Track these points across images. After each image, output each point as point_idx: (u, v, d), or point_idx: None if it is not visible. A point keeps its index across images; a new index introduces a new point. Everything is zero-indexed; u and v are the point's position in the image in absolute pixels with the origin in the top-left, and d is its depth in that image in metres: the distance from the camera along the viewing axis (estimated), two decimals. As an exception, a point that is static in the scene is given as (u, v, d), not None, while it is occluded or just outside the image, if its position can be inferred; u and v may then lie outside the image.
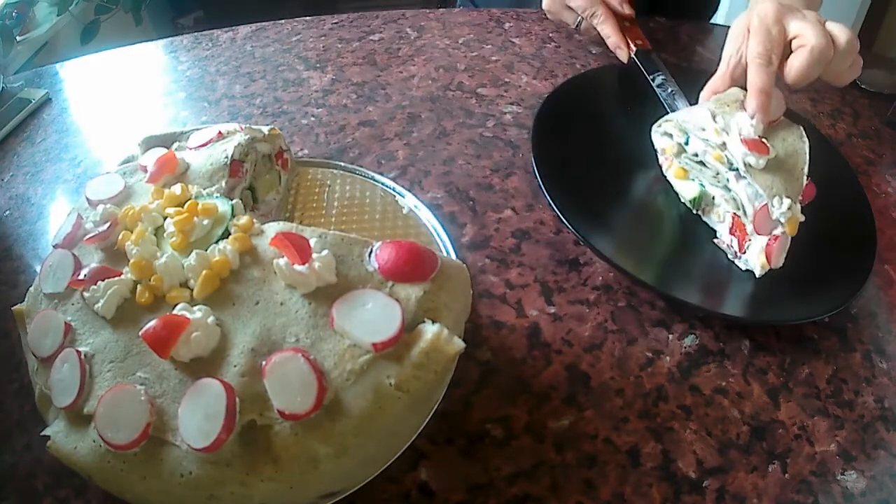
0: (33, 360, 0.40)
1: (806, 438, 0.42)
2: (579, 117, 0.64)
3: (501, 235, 0.55)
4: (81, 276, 0.40)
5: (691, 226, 0.56)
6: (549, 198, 0.54)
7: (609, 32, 0.73)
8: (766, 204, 0.48)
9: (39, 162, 0.66)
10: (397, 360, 0.35)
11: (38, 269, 0.44)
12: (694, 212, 0.57)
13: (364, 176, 0.59)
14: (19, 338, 0.43)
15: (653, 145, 0.61)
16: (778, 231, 0.48)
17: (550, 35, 0.81)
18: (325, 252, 0.38)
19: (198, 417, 0.34)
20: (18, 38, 1.34)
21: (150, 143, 0.51)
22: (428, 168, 0.61)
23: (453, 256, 0.51)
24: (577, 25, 0.76)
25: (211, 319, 0.37)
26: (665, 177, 0.60)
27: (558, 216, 0.53)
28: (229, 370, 0.35)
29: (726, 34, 0.60)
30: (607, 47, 0.74)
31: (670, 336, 0.48)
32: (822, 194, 0.52)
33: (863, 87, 0.73)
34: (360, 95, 0.71)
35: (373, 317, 0.36)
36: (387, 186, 0.57)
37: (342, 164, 0.60)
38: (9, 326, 0.47)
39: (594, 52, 0.78)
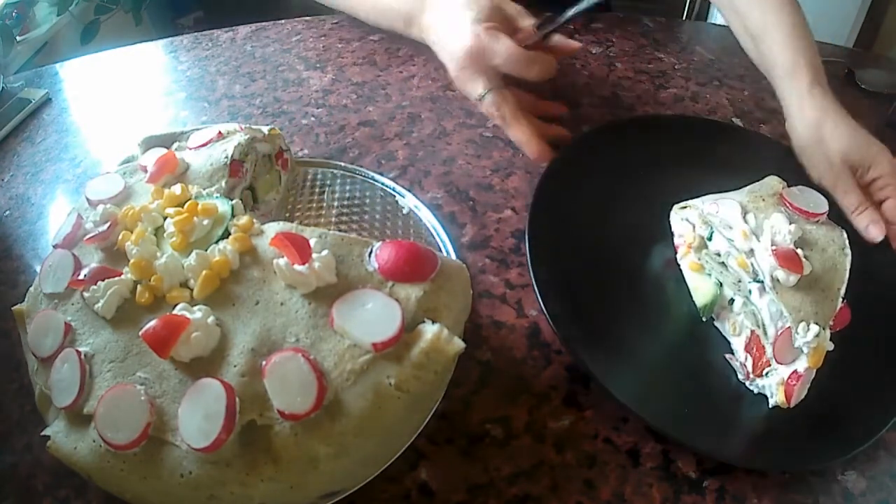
0: (33, 360, 0.40)
1: (806, 438, 0.42)
2: (587, 179, 0.56)
3: (501, 235, 0.55)
4: (81, 276, 0.40)
5: (701, 329, 0.48)
6: (539, 296, 0.46)
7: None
8: (790, 329, 0.41)
9: (39, 162, 0.66)
10: (397, 360, 0.35)
11: (38, 269, 0.44)
12: (703, 319, 0.49)
13: (364, 176, 0.59)
14: (19, 338, 0.43)
15: (670, 226, 0.53)
16: (800, 366, 0.41)
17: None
18: (325, 252, 0.38)
19: (198, 417, 0.34)
20: (18, 38, 1.34)
21: (150, 143, 0.51)
22: (428, 168, 0.61)
23: (453, 256, 0.51)
24: (480, 98, 0.58)
25: (211, 319, 0.37)
26: (678, 263, 0.52)
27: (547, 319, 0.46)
28: (229, 370, 0.35)
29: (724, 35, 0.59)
30: (607, 48, 0.74)
31: (670, 336, 0.48)
32: (859, 306, 0.44)
33: (863, 87, 0.73)
34: (360, 95, 0.71)
35: (373, 317, 0.36)
36: (387, 186, 0.57)
37: (342, 164, 0.60)
38: (9, 326, 0.47)
39: (594, 52, 0.78)
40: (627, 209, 0.55)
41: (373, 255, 0.39)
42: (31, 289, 0.43)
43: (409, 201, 0.56)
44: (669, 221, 0.53)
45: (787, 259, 0.42)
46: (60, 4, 1.46)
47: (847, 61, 0.76)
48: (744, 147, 0.61)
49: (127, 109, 0.73)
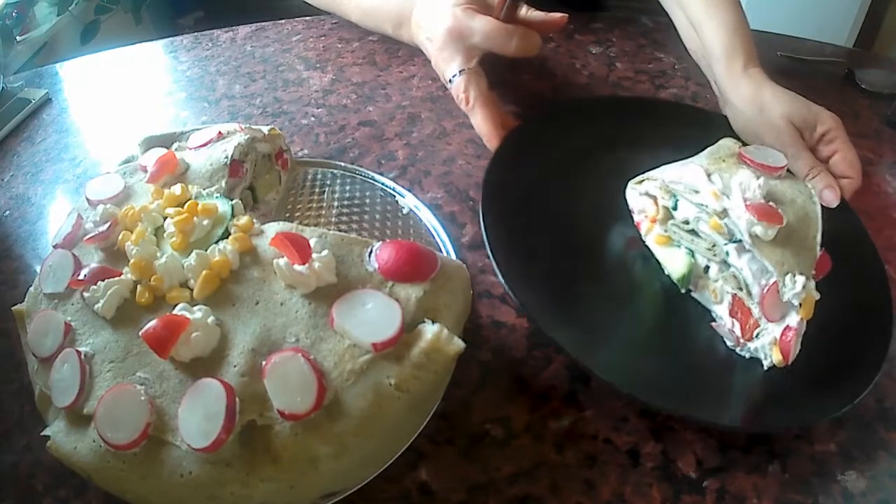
0: (33, 360, 0.40)
1: (806, 438, 0.42)
2: (538, 161, 0.55)
3: (501, 235, 0.55)
4: (81, 276, 0.40)
5: (679, 303, 0.47)
6: (500, 275, 0.44)
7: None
8: (776, 283, 0.40)
9: (39, 162, 0.66)
10: (397, 360, 0.35)
11: (38, 269, 0.44)
12: (683, 291, 0.48)
13: (364, 176, 0.59)
14: (19, 338, 0.43)
15: (626, 203, 0.52)
16: (792, 320, 0.40)
17: (550, 35, 0.81)
18: (325, 252, 0.38)
19: (198, 417, 0.34)
20: (18, 38, 1.34)
21: (150, 143, 0.51)
22: (428, 168, 0.61)
23: (453, 256, 0.51)
24: (451, 79, 0.59)
25: (211, 319, 0.37)
26: (643, 240, 0.51)
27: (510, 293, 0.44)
28: (229, 370, 0.35)
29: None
30: (607, 48, 0.74)
31: (670, 336, 0.48)
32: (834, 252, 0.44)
33: (863, 87, 0.73)
34: (360, 95, 0.71)
35: (373, 317, 0.36)
36: (387, 186, 0.57)
37: (342, 164, 0.60)
38: (9, 326, 0.47)
39: (594, 51, 0.78)
40: (579, 194, 0.54)
41: (373, 255, 0.39)
42: (31, 289, 0.43)
43: (409, 201, 0.56)
44: (626, 199, 0.52)
45: (765, 212, 0.41)
46: (60, 4, 1.46)
47: (847, 61, 0.76)
48: (695, 125, 0.61)
49: (127, 109, 0.73)
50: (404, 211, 0.55)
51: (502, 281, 0.45)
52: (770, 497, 0.39)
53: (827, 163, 0.54)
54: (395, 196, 0.57)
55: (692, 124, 0.60)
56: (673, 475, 0.40)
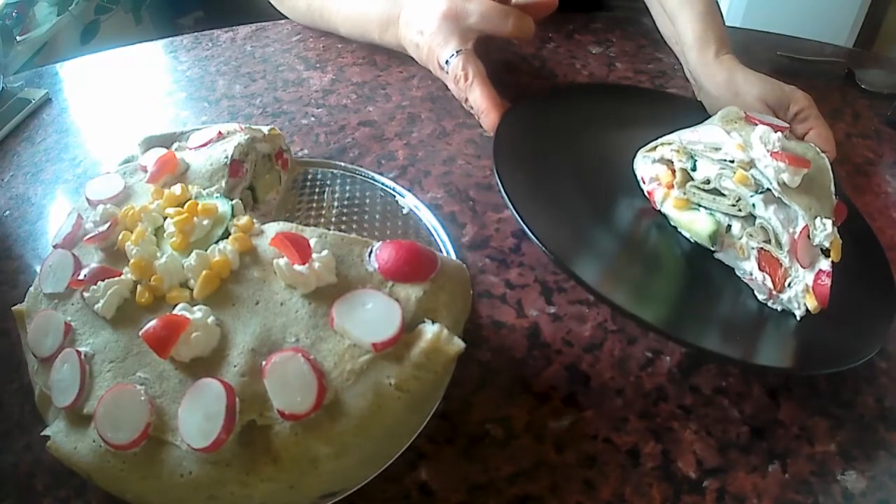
0: (33, 360, 0.40)
1: (806, 438, 0.42)
2: (542, 140, 0.55)
3: (501, 235, 0.55)
4: (81, 277, 0.40)
5: (702, 266, 0.48)
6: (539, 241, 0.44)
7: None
8: (806, 228, 0.42)
9: (39, 162, 0.66)
10: (397, 360, 0.35)
11: (38, 269, 0.44)
12: (713, 249, 0.48)
13: (364, 176, 0.59)
14: (19, 338, 0.43)
15: (634, 176, 0.53)
16: (824, 264, 0.42)
17: (550, 35, 0.81)
18: (325, 252, 0.38)
19: (198, 417, 0.34)
20: (18, 38, 1.34)
21: (150, 143, 0.51)
22: (428, 168, 0.61)
23: (453, 256, 0.51)
24: (448, 60, 0.60)
25: (211, 319, 0.37)
26: (656, 209, 0.52)
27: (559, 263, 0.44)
28: (229, 370, 0.35)
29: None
30: (607, 48, 0.74)
31: (670, 336, 0.48)
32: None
33: (863, 87, 0.73)
34: (360, 95, 0.71)
35: (373, 317, 0.36)
36: (387, 186, 0.57)
37: (342, 164, 0.60)
38: (9, 326, 0.47)
39: (594, 52, 0.78)
40: (580, 171, 0.53)
41: (373, 255, 0.39)
42: (31, 289, 0.43)
43: (409, 201, 0.56)
44: (634, 172, 0.54)
45: (793, 158, 0.43)
46: (60, 4, 1.46)
47: (847, 61, 0.76)
48: (690, 110, 0.62)
49: (127, 109, 0.73)
50: (404, 211, 0.55)
51: (535, 240, 0.44)
52: (770, 497, 0.39)
53: (803, 139, 0.56)
54: (395, 196, 0.57)
55: (686, 110, 0.62)
56: (673, 475, 0.40)
